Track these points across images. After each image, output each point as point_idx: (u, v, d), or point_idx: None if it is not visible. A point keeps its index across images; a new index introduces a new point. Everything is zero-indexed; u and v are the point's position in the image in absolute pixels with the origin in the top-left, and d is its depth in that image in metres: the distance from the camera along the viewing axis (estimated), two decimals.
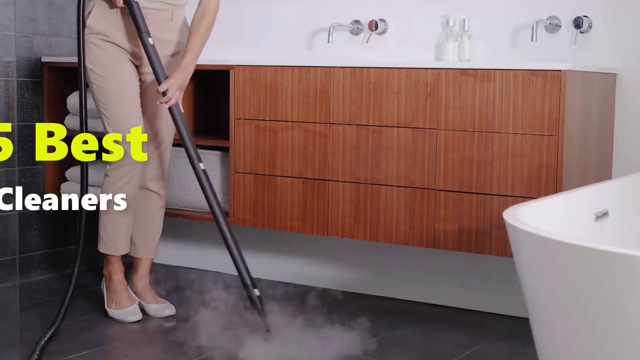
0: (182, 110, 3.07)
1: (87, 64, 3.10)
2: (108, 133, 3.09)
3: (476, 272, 3.45)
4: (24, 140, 3.77)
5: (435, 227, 3.09)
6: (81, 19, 3.05)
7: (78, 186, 3.84)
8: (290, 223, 3.37)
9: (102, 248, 3.23)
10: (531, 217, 2.13)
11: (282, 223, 3.39)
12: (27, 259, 3.79)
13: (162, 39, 3.12)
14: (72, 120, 3.84)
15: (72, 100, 3.83)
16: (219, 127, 3.77)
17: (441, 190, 3.08)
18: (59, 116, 3.89)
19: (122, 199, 3.08)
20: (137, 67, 3.17)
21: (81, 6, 3.05)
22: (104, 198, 3.11)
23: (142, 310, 3.24)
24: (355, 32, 3.69)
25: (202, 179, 3.02)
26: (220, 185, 3.56)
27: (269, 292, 3.52)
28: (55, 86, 3.87)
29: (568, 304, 1.85)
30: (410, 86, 3.11)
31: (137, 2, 3.02)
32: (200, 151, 3.61)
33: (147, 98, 3.20)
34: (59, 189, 3.89)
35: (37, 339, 2.96)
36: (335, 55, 3.73)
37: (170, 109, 3.04)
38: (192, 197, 3.62)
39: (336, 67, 3.25)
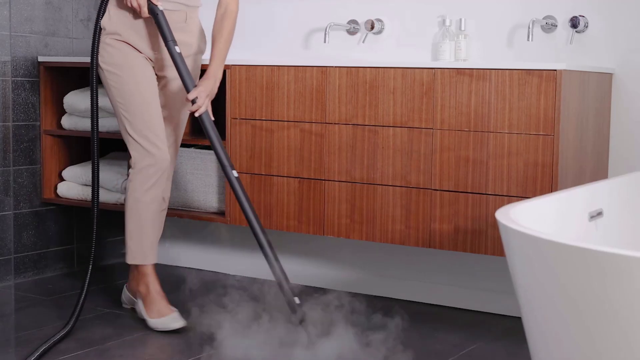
0: (212, 118, 3.02)
1: (102, 65, 3.06)
2: (129, 134, 3.05)
3: (472, 272, 3.45)
4: (20, 140, 3.77)
5: (431, 226, 3.09)
6: (99, 22, 3.03)
7: (76, 186, 3.85)
8: (287, 223, 3.37)
9: (131, 259, 3.12)
10: (524, 217, 2.13)
11: (278, 223, 3.39)
12: (23, 258, 3.79)
13: (177, 40, 3.06)
14: (69, 120, 3.84)
15: (69, 100, 3.83)
16: (215, 126, 3.76)
17: (437, 190, 3.08)
18: (56, 116, 3.89)
19: (151, 200, 3.06)
20: (154, 69, 3.14)
21: (101, 10, 3.02)
22: (131, 202, 3.07)
23: (134, 309, 3.23)
24: (352, 31, 3.69)
25: (235, 186, 2.95)
26: (216, 185, 3.56)
27: (269, 292, 3.53)
28: (52, 86, 3.87)
29: (560, 303, 1.85)
30: (406, 86, 3.11)
31: (162, 11, 2.99)
32: (196, 151, 3.61)
33: (165, 101, 3.17)
34: (57, 188, 3.89)
35: (32, 338, 2.96)
36: (331, 54, 3.73)
37: (200, 117, 2.99)
38: (189, 196, 3.62)
39: (332, 66, 3.25)
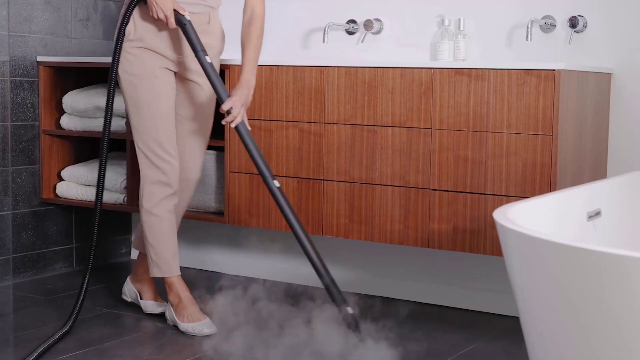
0: (249, 128, 2.97)
1: (121, 73, 3.03)
2: (138, 146, 3.03)
3: (470, 272, 3.45)
4: (19, 140, 3.77)
5: (430, 226, 3.09)
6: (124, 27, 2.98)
7: (75, 186, 3.85)
8: (285, 223, 3.36)
9: (157, 273, 3.10)
10: (522, 217, 2.13)
11: (277, 222, 3.39)
12: (22, 258, 3.79)
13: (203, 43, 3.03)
14: (68, 120, 3.84)
15: (68, 99, 3.83)
16: (215, 126, 3.76)
17: (435, 190, 3.08)
18: (55, 116, 3.89)
19: (163, 213, 3.05)
20: (177, 73, 3.09)
21: (126, 17, 2.97)
22: (145, 216, 3.05)
23: (136, 305, 3.24)
24: (351, 31, 3.69)
25: (277, 196, 2.89)
26: (215, 185, 3.56)
27: (267, 291, 3.53)
28: (51, 86, 3.87)
29: (558, 303, 1.85)
30: (405, 86, 3.11)
31: (189, 21, 2.93)
32: None
33: (195, 113, 3.12)
34: (56, 188, 3.89)
35: (31, 338, 2.96)
36: (330, 54, 3.73)
37: (236, 127, 2.93)
38: None
39: (331, 66, 3.25)
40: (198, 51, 2.92)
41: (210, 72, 2.92)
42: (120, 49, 2.99)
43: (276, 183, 2.91)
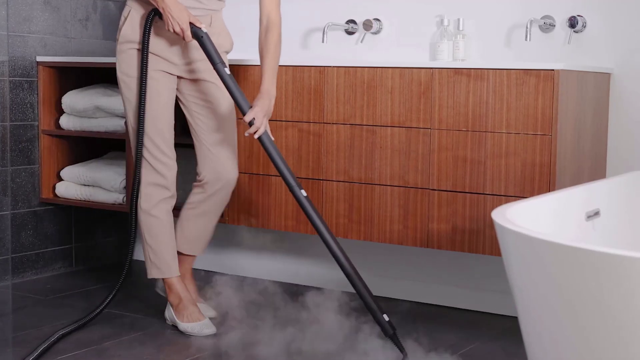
0: (272, 138, 2.94)
1: (118, 74, 3.02)
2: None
3: (470, 272, 3.45)
4: (19, 140, 3.77)
5: (429, 226, 3.09)
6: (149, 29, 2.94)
7: (74, 186, 3.85)
8: (285, 222, 3.37)
9: (156, 274, 3.09)
10: (521, 217, 2.13)
11: (277, 222, 3.39)
12: (21, 258, 3.79)
13: None
14: (67, 120, 3.84)
15: (67, 100, 3.83)
16: None
17: (435, 190, 3.08)
18: (54, 116, 3.89)
19: (160, 214, 3.04)
20: (188, 78, 3.07)
21: (147, 27, 2.93)
22: (142, 217, 3.04)
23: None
24: (350, 31, 3.69)
25: (306, 206, 2.86)
26: None
27: (265, 291, 3.53)
28: (51, 86, 3.87)
29: (556, 303, 1.85)
30: (404, 86, 3.11)
31: (206, 33, 2.90)
32: (192, 151, 3.60)
33: (219, 125, 3.09)
34: (55, 188, 3.89)
35: (30, 338, 2.96)
36: (329, 54, 3.73)
37: (259, 138, 2.89)
38: (186, 197, 3.61)
39: (330, 66, 3.25)
40: (217, 63, 2.89)
41: (230, 84, 2.89)
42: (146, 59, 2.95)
43: (303, 192, 2.88)
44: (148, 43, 2.94)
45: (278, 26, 3.00)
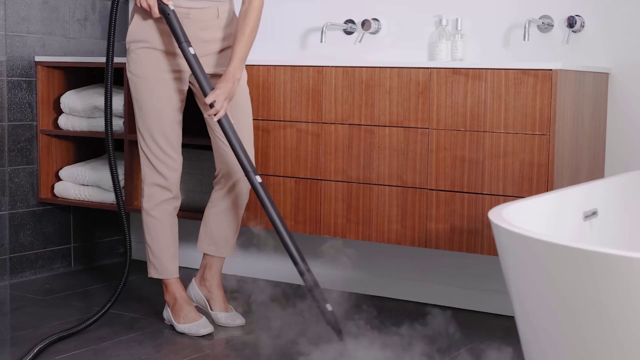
0: (232, 121, 2.93)
1: (127, 73, 3.04)
2: (140, 147, 3.03)
3: (468, 272, 3.45)
4: (17, 140, 3.77)
5: (427, 226, 3.09)
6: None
7: (73, 185, 3.85)
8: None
9: (154, 274, 3.10)
10: (517, 217, 2.13)
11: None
12: (20, 258, 3.79)
13: (209, 38, 3.02)
14: (66, 120, 3.84)
15: (66, 99, 3.83)
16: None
17: (433, 190, 3.08)
18: (52, 116, 3.89)
19: (161, 215, 3.05)
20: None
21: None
22: (144, 217, 3.05)
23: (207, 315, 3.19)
24: (349, 31, 3.69)
25: (260, 192, 2.88)
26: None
27: (265, 291, 3.53)
28: (49, 85, 3.87)
29: (553, 303, 1.85)
30: (402, 85, 3.11)
31: (173, 11, 2.90)
32: (193, 151, 3.61)
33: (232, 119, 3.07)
34: (53, 188, 3.89)
35: (29, 338, 2.96)
36: (328, 54, 3.73)
37: (219, 120, 2.88)
38: (186, 196, 3.62)
39: (329, 66, 3.25)
40: (181, 42, 2.89)
41: (194, 64, 2.89)
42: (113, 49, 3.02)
43: (258, 178, 2.89)
44: (114, 31, 3.00)
45: (258, 11, 2.99)
